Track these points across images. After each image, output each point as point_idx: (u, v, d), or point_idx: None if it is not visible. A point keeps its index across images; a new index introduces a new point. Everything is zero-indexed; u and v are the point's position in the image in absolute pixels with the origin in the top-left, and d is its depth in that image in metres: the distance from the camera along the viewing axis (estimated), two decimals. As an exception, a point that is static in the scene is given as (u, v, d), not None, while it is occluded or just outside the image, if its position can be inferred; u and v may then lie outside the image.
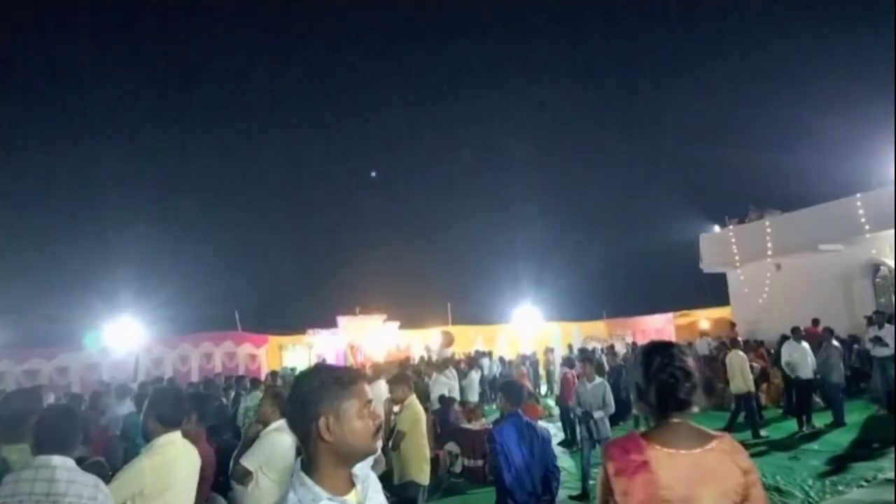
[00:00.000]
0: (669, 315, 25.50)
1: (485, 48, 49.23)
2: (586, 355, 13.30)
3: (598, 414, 8.12)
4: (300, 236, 37.34)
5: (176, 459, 3.27)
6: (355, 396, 1.65)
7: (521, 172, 42.38)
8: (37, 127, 35.29)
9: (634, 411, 9.62)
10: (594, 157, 40.40)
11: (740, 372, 10.78)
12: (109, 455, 7.38)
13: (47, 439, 2.71)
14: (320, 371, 1.73)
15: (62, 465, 2.66)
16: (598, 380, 8.52)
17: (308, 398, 1.62)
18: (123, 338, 18.27)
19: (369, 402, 1.71)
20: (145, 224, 29.93)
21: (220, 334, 20.81)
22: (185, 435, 3.47)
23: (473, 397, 13.48)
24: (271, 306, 26.78)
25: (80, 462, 2.83)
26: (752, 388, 11.01)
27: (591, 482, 7.73)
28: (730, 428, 10.59)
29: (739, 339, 12.90)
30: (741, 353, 11.20)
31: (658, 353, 2.03)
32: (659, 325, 25.53)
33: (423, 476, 5.71)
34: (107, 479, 2.97)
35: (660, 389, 1.98)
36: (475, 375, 14.55)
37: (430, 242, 37.17)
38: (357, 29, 49.81)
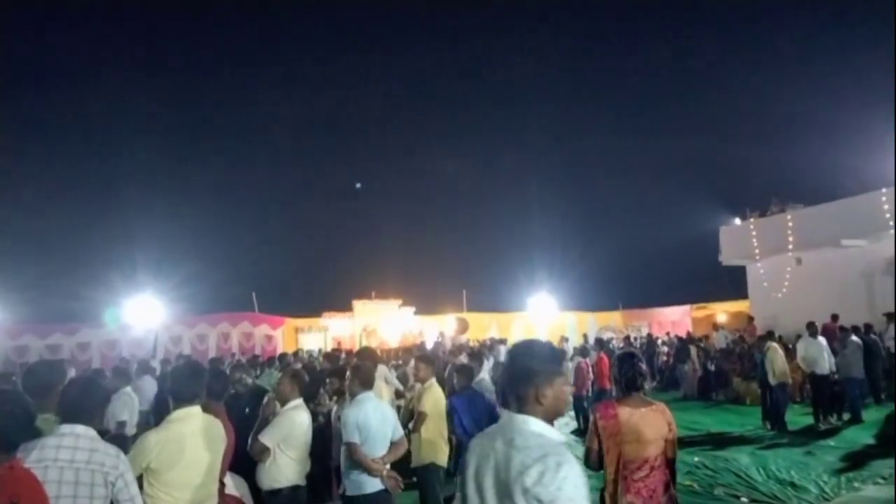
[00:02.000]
0: (686, 307, 25.31)
1: (504, 37, 48.86)
2: (602, 345, 13.26)
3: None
4: (318, 220, 37.50)
5: (185, 435, 3.30)
6: (563, 373, 2.08)
7: (540, 161, 42.24)
8: (60, 110, 35.65)
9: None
10: (614, 146, 40.07)
11: (781, 363, 10.74)
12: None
13: (72, 409, 2.75)
14: (541, 347, 2.13)
15: (85, 433, 2.71)
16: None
17: (532, 367, 2.01)
18: (143, 315, 18.52)
19: (567, 378, 2.13)
20: (166, 205, 30.26)
21: (237, 315, 21.05)
22: (204, 411, 3.50)
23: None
24: (288, 289, 27.03)
25: (102, 435, 2.87)
26: (789, 381, 11.03)
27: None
28: (777, 422, 10.57)
29: (773, 331, 12.75)
30: (775, 344, 11.17)
31: (625, 362, 3.62)
32: (676, 318, 25.36)
33: (442, 458, 5.76)
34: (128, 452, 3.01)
35: (624, 381, 3.59)
36: (486, 363, 14.49)
37: (447, 229, 37.21)
38: (376, 23, 49.66)
